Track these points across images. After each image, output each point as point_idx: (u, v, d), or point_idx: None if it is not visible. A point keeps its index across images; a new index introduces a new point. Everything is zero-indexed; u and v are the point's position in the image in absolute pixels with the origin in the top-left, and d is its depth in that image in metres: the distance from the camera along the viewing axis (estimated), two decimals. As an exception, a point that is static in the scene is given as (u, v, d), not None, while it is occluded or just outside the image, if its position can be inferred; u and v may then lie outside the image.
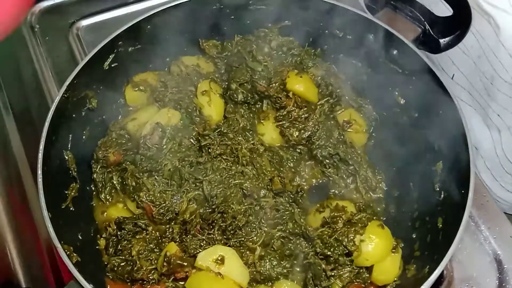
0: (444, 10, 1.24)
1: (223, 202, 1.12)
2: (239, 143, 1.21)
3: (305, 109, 1.25)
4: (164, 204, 1.12)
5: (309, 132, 1.24)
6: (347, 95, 1.30)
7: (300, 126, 1.24)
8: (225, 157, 1.18)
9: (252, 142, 1.22)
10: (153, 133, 1.16)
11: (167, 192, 1.13)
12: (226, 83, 1.30)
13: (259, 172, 1.18)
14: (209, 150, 1.18)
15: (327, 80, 1.30)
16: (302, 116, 1.25)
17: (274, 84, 1.26)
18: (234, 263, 1.04)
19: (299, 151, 1.25)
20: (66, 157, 1.12)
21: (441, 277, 1.16)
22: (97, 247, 1.12)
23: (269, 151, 1.23)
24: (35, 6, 1.61)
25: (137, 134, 1.20)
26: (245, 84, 1.27)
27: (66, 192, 1.10)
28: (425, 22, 1.23)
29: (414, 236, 1.13)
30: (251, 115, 1.28)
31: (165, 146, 1.16)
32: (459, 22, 1.21)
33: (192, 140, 1.20)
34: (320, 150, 1.23)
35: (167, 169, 1.15)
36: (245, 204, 1.13)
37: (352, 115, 1.28)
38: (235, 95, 1.27)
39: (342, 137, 1.25)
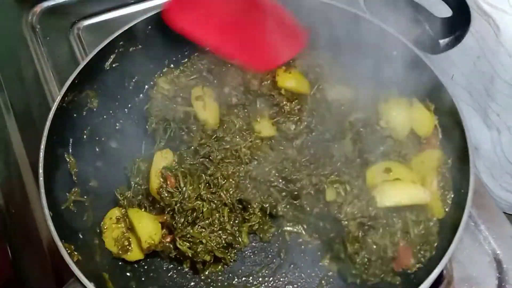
0: (444, 11, 1.24)
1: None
2: (237, 143, 1.21)
3: (296, 101, 1.26)
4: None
5: (306, 123, 1.25)
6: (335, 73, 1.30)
7: (296, 119, 1.25)
8: (227, 161, 1.18)
9: (250, 140, 1.22)
10: (166, 179, 1.14)
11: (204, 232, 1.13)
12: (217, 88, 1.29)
13: (263, 161, 1.19)
14: (210, 157, 1.18)
15: (314, 67, 1.30)
16: (295, 109, 1.26)
17: (265, 82, 1.26)
18: None
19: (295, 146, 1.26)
20: (68, 160, 1.13)
21: (440, 277, 1.15)
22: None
23: (266, 140, 1.24)
24: (36, 6, 1.62)
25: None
26: (238, 86, 1.27)
27: (67, 194, 1.10)
28: (425, 23, 1.23)
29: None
30: (246, 114, 1.27)
31: (184, 188, 1.13)
32: (458, 23, 1.22)
33: (197, 164, 1.19)
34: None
35: (206, 211, 1.13)
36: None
37: (342, 91, 1.29)
38: (229, 99, 1.27)
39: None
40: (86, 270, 0.94)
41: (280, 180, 1.19)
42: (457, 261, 1.18)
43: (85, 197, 1.15)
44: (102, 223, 1.14)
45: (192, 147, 1.21)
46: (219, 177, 1.16)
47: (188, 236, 1.10)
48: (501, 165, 1.55)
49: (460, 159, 1.05)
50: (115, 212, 1.16)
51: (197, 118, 1.24)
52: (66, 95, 1.11)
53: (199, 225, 1.11)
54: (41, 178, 1.00)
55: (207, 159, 1.19)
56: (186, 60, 1.32)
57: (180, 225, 1.10)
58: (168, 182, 1.12)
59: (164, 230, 1.13)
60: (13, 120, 1.41)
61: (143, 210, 1.16)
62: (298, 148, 1.24)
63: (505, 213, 1.28)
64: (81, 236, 1.08)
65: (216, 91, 1.29)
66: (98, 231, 1.14)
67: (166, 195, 1.12)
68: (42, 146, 1.03)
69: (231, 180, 1.17)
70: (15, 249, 1.21)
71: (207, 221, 1.12)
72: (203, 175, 1.16)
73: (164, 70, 1.31)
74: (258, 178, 1.17)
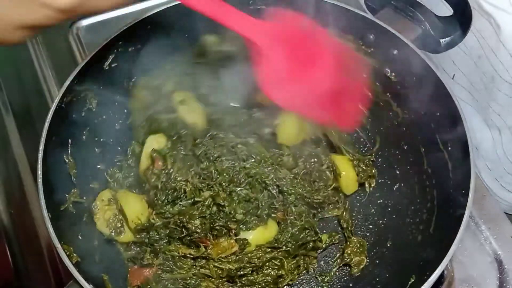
0: (445, 10, 1.24)
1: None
2: (232, 140, 1.20)
3: None
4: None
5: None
6: None
7: None
8: (225, 158, 1.18)
9: (244, 136, 1.22)
10: (154, 161, 1.15)
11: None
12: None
13: (262, 162, 1.19)
14: (207, 156, 1.18)
15: None
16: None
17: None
18: None
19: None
20: (67, 160, 1.12)
21: (441, 277, 1.15)
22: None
23: (261, 140, 1.23)
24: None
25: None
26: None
27: (67, 195, 1.10)
28: (426, 22, 1.23)
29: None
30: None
31: (172, 170, 1.15)
32: (459, 22, 1.21)
33: (185, 152, 1.19)
34: None
35: (189, 191, 1.14)
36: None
37: None
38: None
39: None
40: (85, 271, 0.94)
41: (275, 187, 1.17)
42: (457, 262, 1.18)
43: (84, 198, 1.14)
44: (93, 204, 1.14)
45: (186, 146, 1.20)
46: (213, 171, 1.16)
47: (166, 213, 1.11)
48: (502, 165, 1.55)
49: (461, 159, 1.05)
50: (106, 194, 1.16)
51: (185, 122, 1.22)
52: (65, 96, 1.10)
53: (180, 204, 1.11)
54: (39, 180, 0.99)
55: (204, 155, 1.18)
56: (162, 64, 1.27)
57: (160, 202, 1.11)
58: (155, 164, 1.14)
59: (150, 209, 1.14)
60: (12, 120, 1.41)
61: (133, 192, 1.17)
62: (294, 157, 1.23)
63: (506, 213, 1.28)
64: (80, 238, 1.07)
65: (199, 95, 1.27)
66: (97, 232, 1.13)
67: (153, 176, 1.13)
68: (41, 147, 1.03)
69: (225, 174, 1.16)
70: (14, 250, 1.21)
71: (189, 201, 1.12)
72: (195, 166, 1.16)
73: (135, 79, 1.26)
74: (256, 177, 1.16)
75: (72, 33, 1.56)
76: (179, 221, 1.11)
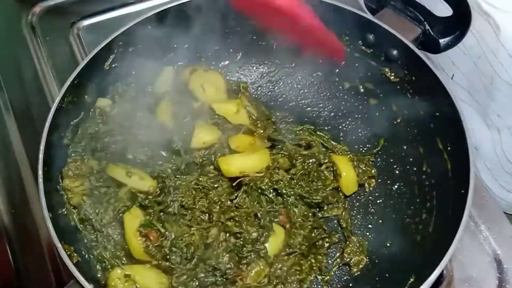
0: (444, 11, 1.24)
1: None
2: (191, 179, 1.16)
3: None
4: None
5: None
6: None
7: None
8: (199, 198, 1.13)
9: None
10: (147, 236, 1.06)
11: None
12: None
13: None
14: (185, 206, 1.12)
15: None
16: None
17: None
18: None
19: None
20: (68, 161, 1.12)
21: (441, 277, 1.16)
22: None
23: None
24: (35, 6, 1.62)
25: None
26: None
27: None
28: (425, 23, 1.23)
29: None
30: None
31: (170, 232, 1.07)
32: (459, 23, 1.22)
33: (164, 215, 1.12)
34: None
35: (198, 237, 1.09)
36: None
37: None
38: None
39: None
40: (86, 271, 0.94)
41: (272, 190, 1.15)
42: (457, 261, 1.18)
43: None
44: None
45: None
46: (201, 216, 1.11)
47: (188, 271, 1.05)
48: (501, 165, 1.55)
49: (460, 159, 1.05)
50: (117, 273, 1.03)
51: (141, 191, 1.13)
52: (65, 96, 1.10)
53: (197, 255, 1.06)
54: (40, 180, 1.00)
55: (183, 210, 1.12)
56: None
57: (178, 264, 1.04)
58: (151, 238, 1.05)
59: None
60: (12, 120, 1.41)
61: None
62: (289, 158, 1.23)
63: (505, 213, 1.28)
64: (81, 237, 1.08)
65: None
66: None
67: (155, 250, 1.05)
68: (42, 147, 1.03)
69: (217, 206, 1.12)
70: (15, 250, 1.21)
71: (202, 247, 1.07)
72: (181, 220, 1.10)
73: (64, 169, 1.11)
74: (250, 184, 1.14)
75: (73, 33, 1.57)
76: (208, 266, 1.06)
